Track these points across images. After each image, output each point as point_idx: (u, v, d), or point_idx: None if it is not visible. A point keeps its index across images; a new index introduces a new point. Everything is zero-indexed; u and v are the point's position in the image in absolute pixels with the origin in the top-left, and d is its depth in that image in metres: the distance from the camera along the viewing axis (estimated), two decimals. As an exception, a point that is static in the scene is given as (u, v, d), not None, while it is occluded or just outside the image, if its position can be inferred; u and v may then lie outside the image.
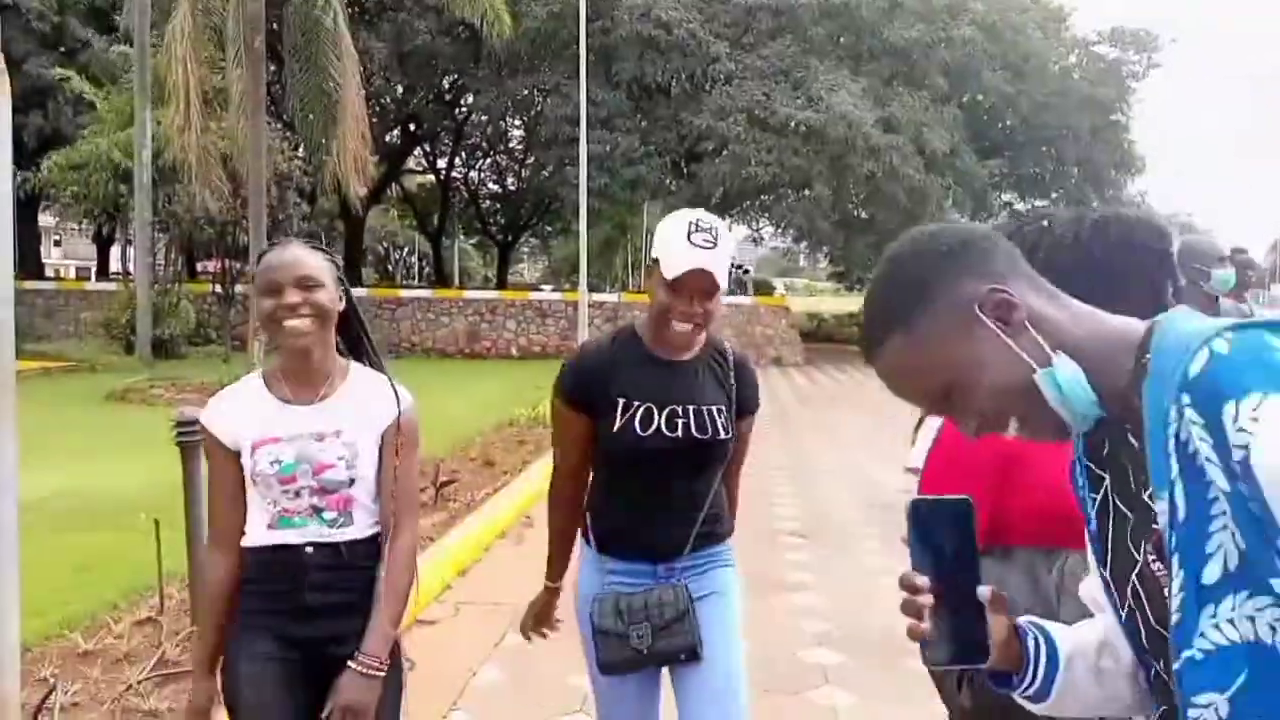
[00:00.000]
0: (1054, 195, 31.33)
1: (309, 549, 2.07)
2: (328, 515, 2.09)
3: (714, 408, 2.31)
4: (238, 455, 2.09)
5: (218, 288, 21.35)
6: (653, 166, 25.83)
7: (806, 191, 26.51)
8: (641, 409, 2.27)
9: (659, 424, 2.27)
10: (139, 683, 3.83)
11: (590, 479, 2.43)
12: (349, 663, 2.04)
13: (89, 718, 3.58)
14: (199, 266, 25.15)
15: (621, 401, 2.28)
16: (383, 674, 2.07)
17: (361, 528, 2.12)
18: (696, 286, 2.17)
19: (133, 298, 18.05)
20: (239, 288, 19.66)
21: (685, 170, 27.11)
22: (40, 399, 11.78)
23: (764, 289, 42.80)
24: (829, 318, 34.07)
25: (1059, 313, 1.13)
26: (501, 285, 36.07)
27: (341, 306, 2.15)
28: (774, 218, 32.08)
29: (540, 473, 8.47)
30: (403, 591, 2.13)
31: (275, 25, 17.00)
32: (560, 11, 25.01)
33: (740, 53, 26.06)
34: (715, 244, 2.18)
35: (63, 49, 23.97)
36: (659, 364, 2.31)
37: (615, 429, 2.28)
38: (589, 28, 23.55)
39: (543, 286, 41.24)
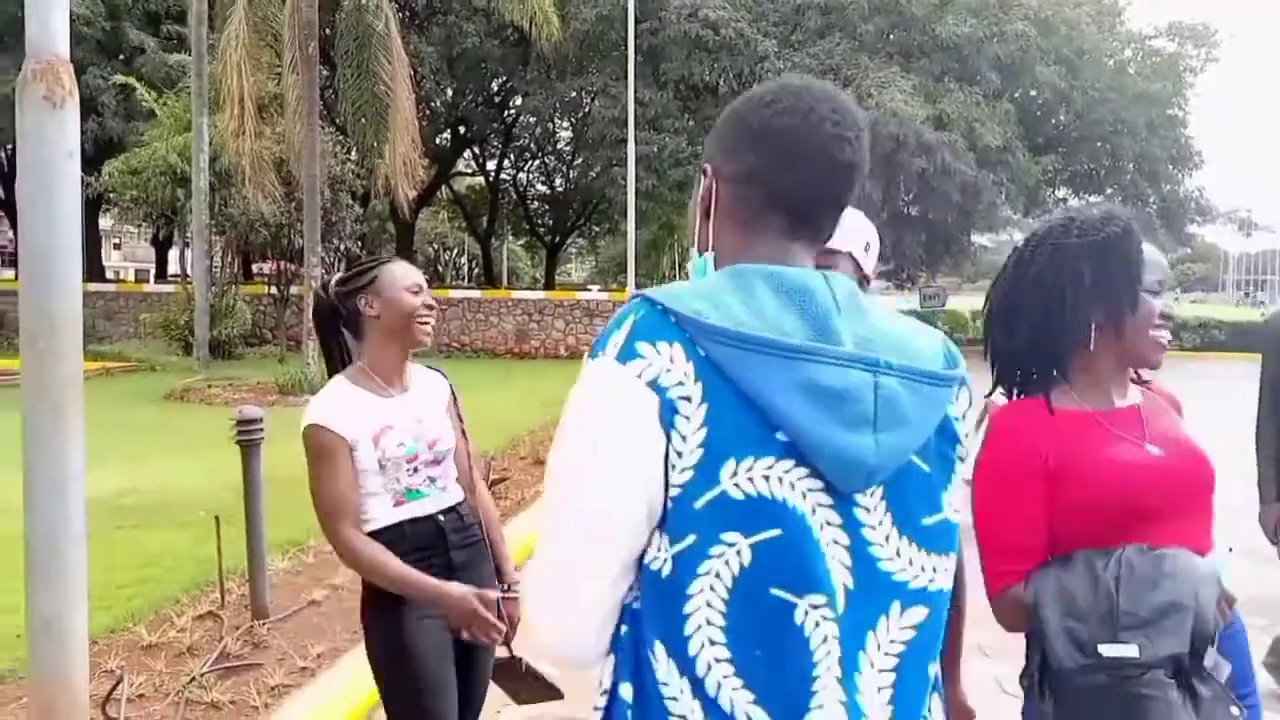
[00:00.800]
0: (1109, 191, 30.75)
1: (441, 516, 2.42)
2: (440, 484, 2.45)
3: None
4: (352, 448, 2.32)
5: (273, 289, 21.73)
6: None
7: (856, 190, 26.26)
8: None
9: None
10: (201, 675, 3.93)
11: None
12: (505, 594, 2.43)
13: (154, 708, 3.68)
14: (255, 268, 25.57)
15: None
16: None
17: (456, 493, 2.50)
18: None
19: (191, 299, 18.39)
20: (294, 289, 19.99)
21: (734, 170, 27.01)
22: (102, 398, 12.07)
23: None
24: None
25: (733, 229, 1.23)
26: (549, 285, 36.26)
27: None
28: (823, 217, 31.68)
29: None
30: (501, 529, 2.63)
31: (328, 31, 17.27)
32: (608, 13, 25.08)
33: (789, 51, 25.91)
34: None
35: (121, 56, 24.48)
36: None
37: None
38: (638, 29, 23.61)
39: (590, 286, 41.34)
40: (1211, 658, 1.56)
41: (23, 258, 3.08)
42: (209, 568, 5.00)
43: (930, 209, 25.86)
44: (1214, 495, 1.77)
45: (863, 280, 2.19)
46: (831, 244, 2.12)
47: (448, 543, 2.41)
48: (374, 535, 2.33)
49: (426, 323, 2.44)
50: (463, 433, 2.57)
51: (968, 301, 44.93)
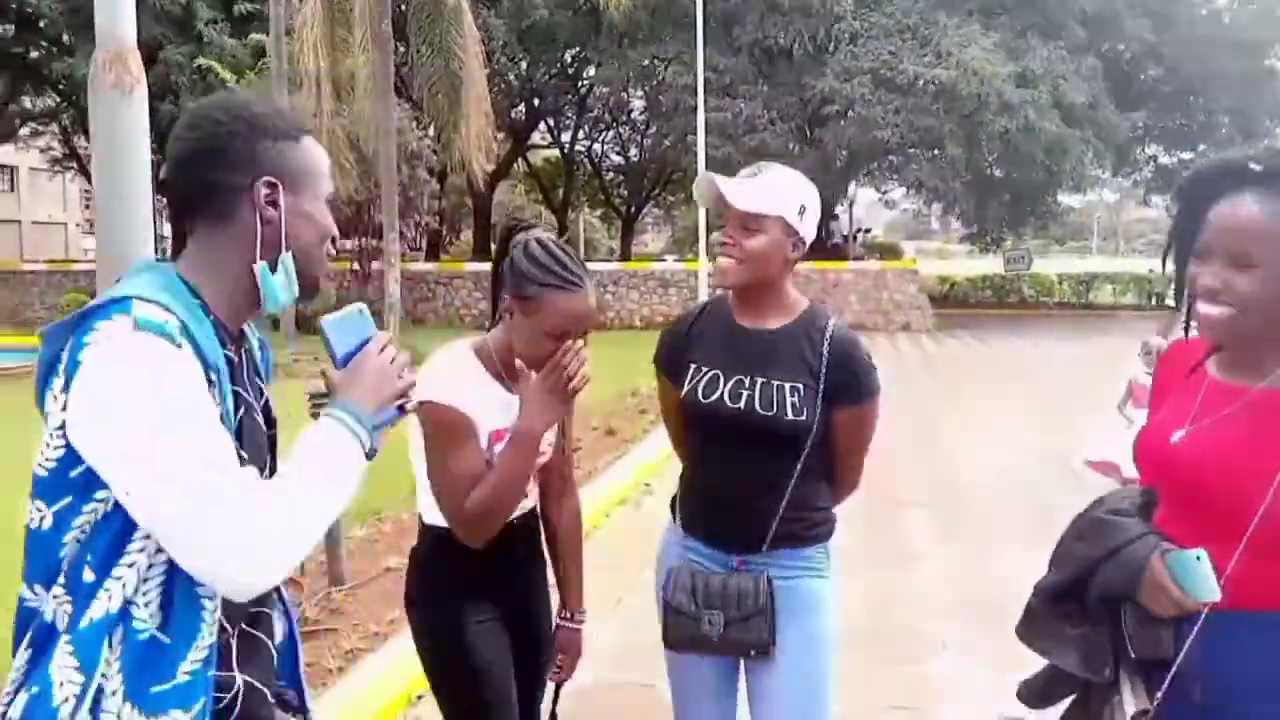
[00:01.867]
0: (1202, 147, 29.50)
1: (514, 522, 2.18)
2: (528, 496, 2.24)
3: (789, 385, 2.10)
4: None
5: (356, 266, 22.21)
6: (776, 133, 25.42)
7: (936, 152, 25.67)
8: (709, 375, 2.17)
9: (722, 392, 2.15)
10: (280, 640, 4.08)
11: None
12: (562, 622, 2.35)
13: (235, 671, 3.84)
14: (339, 245, 26.13)
15: (693, 366, 2.20)
16: (584, 624, 2.37)
17: (534, 496, 2.31)
18: (728, 217, 2.14)
19: (276, 276, 18.88)
20: (375, 265, 20.40)
21: (810, 135, 26.62)
22: (194, 374, 12.49)
23: (892, 253, 41.80)
24: (962, 281, 33.01)
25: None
26: (625, 256, 36.30)
27: None
28: (903, 180, 31.23)
29: (661, 440, 8.54)
30: (580, 546, 2.41)
31: (403, 7, 17.46)
32: (681, -21, 24.84)
33: (864, 10, 25.33)
34: (756, 176, 2.16)
35: (201, 37, 25.00)
36: (740, 332, 2.19)
37: (684, 393, 2.21)
38: (709, -7, 23.35)
39: (666, 257, 41.27)
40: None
41: (99, 242, 3.21)
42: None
43: (1014, 169, 25.15)
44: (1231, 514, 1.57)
45: (796, 244, 2.15)
46: (748, 205, 2.09)
47: (515, 549, 2.23)
48: (440, 533, 2.15)
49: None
50: (561, 446, 2.32)
51: (1055, 264, 43.78)
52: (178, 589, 1.29)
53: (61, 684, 1.23)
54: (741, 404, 2.12)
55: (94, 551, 1.26)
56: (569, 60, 31.37)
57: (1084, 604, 1.69)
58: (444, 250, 34.25)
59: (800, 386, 2.11)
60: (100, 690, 1.24)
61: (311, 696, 1.63)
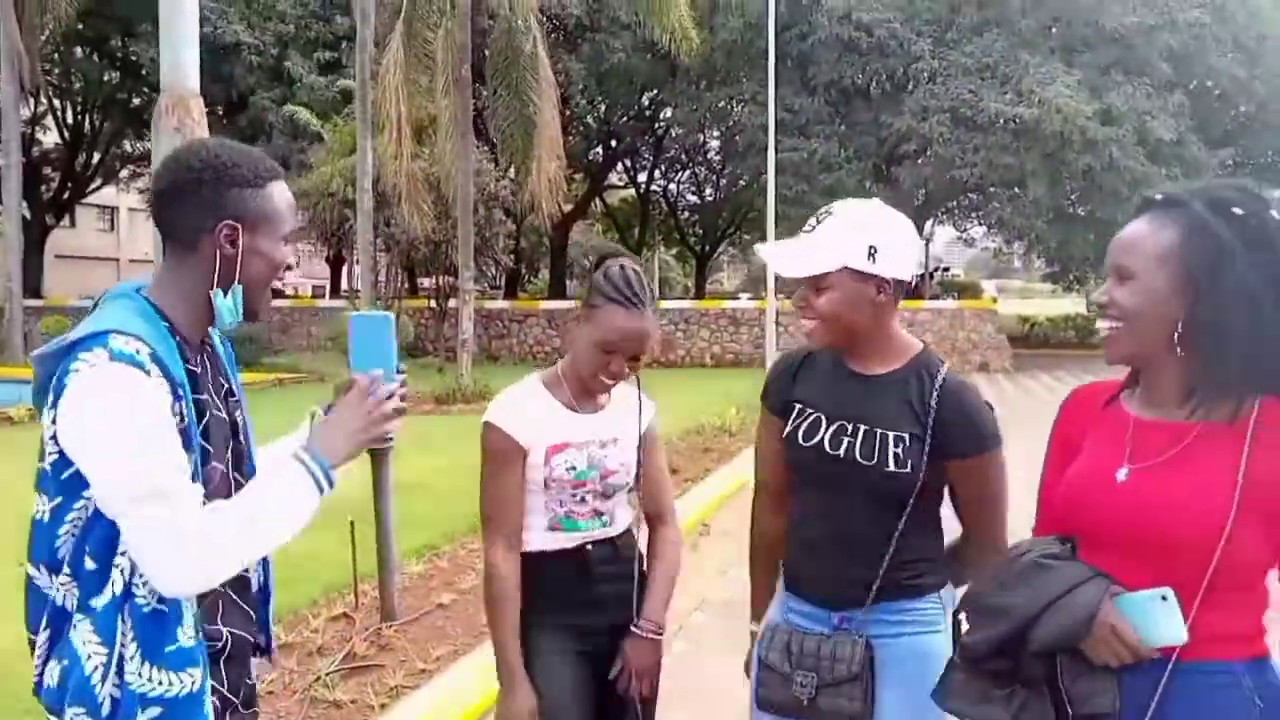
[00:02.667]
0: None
1: (590, 546, 2.23)
2: (605, 518, 2.27)
3: (893, 434, 1.97)
4: (525, 455, 2.19)
5: (433, 303, 22.65)
6: (851, 172, 25.31)
7: (1017, 190, 25.25)
8: (811, 418, 2.06)
9: (823, 437, 2.03)
10: (327, 675, 4.11)
11: None
12: (632, 629, 2.25)
13: (280, 705, 3.88)
14: (419, 284, 26.65)
15: (797, 407, 2.09)
16: (661, 638, 2.27)
17: (622, 523, 2.31)
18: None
19: (357, 314, 19.34)
20: (452, 303, 20.76)
21: (886, 173, 26.43)
22: (269, 407, 12.78)
23: (971, 291, 41.10)
24: (1043, 320, 32.23)
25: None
26: (699, 295, 36.38)
27: None
28: (984, 218, 30.74)
29: (721, 481, 8.55)
30: (674, 574, 2.35)
31: (484, 52, 17.90)
32: (756, 22, 24.96)
33: (944, 50, 25.15)
34: (812, 230, 1.99)
35: (289, 83, 26.00)
36: (847, 375, 2.06)
37: (785, 434, 2.09)
38: (786, 34, 23.41)
39: (740, 295, 41.24)
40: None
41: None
42: (348, 571, 5.23)
43: (1097, 208, 24.57)
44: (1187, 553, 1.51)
45: (880, 286, 1.96)
46: (796, 272, 1.96)
47: (592, 575, 2.24)
48: (528, 557, 2.21)
49: (602, 380, 2.20)
50: (639, 465, 2.32)
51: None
52: None
53: (89, 656, 1.49)
54: (841, 451, 2.00)
55: (90, 543, 1.50)
56: (646, 103, 31.74)
57: (1017, 660, 1.59)
58: (522, 289, 34.72)
59: (905, 436, 1.97)
60: (121, 657, 1.50)
61: (276, 640, 1.90)
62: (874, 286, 1.96)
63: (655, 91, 30.24)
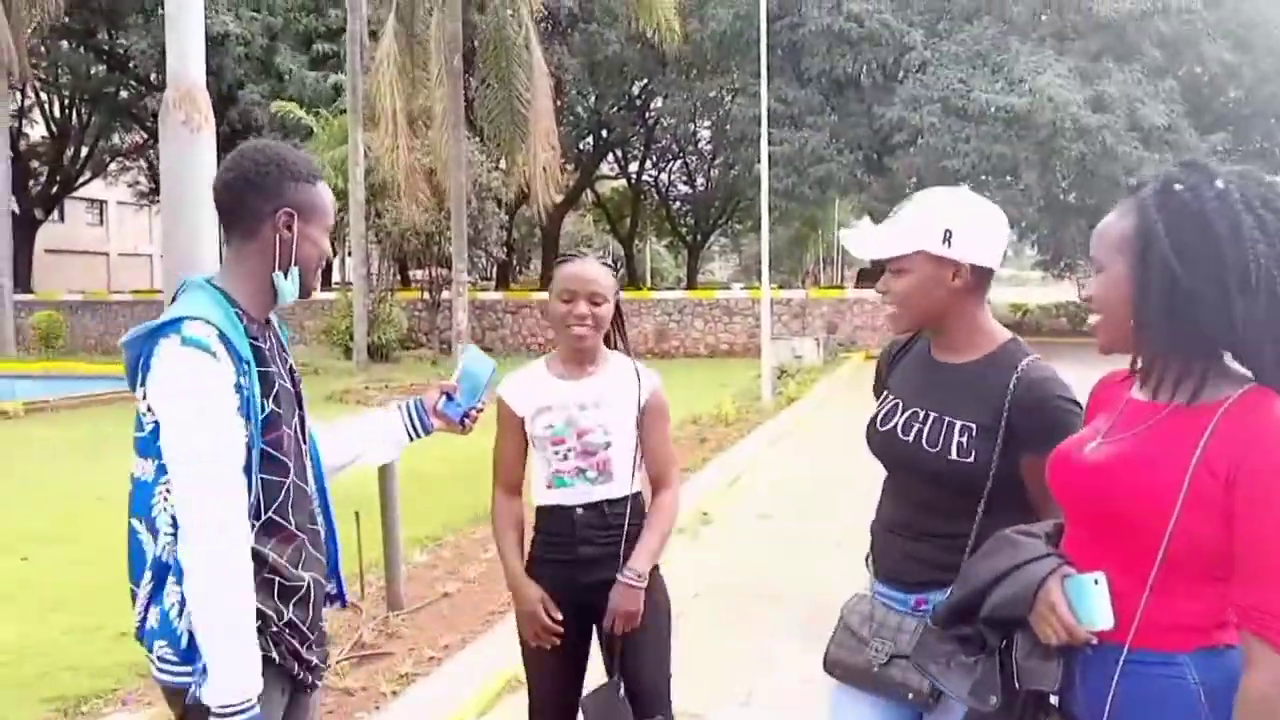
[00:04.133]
0: (1286, 169, 28.61)
1: (579, 510, 2.48)
2: (590, 474, 2.49)
3: (960, 423, 1.95)
4: (522, 422, 2.53)
5: (426, 295, 22.62)
6: (843, 163, 25.33)
7: (1009, 179, 25.30)
8: (891, 403, 2.10)
9: (898, 423, 2.05)
10: (337, 663, 4.14)
11: None
12: (617, 576, 2.43)
13: (292, 693, 3.90)
14: (411, 275, 26.59)
15: (885, 392, 2.15)
16: (643, 586, 2.44)
17: (620, 487, 2.51)
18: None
19: (350, 306, 19.31)
20: (445, 294, 20.75)
21: (879, 163, 26.46)
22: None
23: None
24: (1034, 308, 32.33)
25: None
26: (691, 285, 36.37)
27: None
28: (974, 208, 30.62)
29: (720, 472, 8.68)
30: (664, 529, 2.55)
31: (476, 43, 17.88)
32: (746, 13, 24.93)
33: (935, 39, 25.17)
34: (895, 214, 2.04)
35: (279, 77, 25.88)
36: (929, 363, 2.08)
37: (870, 418, 2.14)
38: (777, 25, 23.37)
39: (731, 285, 41.28)
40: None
41: (165, 271, 3.33)
42: (352, 561, 5.25)
43: (1090, 194, 24.65)
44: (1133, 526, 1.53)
45: (957, 272, 1.96)
46: (873, 254, 2.02)
47: (576, 536, 2.47)
48: (537, 511, 2.55)
49: (573, 328, 2.45)
50: (637, 433, 2.53)
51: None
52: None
53: (168, 594, 1.75)
54: (910, 437, 2.01)
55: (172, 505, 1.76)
56: (637, 93, 31.73)
57: (976, 628, 1.64)
58: (513, 280, 34.71)
59: (973, 426, 1.94)
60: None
61: (351, 596, 2.13)
62: (950, 271, 1.95)
63: (646, 81, 30.24)
